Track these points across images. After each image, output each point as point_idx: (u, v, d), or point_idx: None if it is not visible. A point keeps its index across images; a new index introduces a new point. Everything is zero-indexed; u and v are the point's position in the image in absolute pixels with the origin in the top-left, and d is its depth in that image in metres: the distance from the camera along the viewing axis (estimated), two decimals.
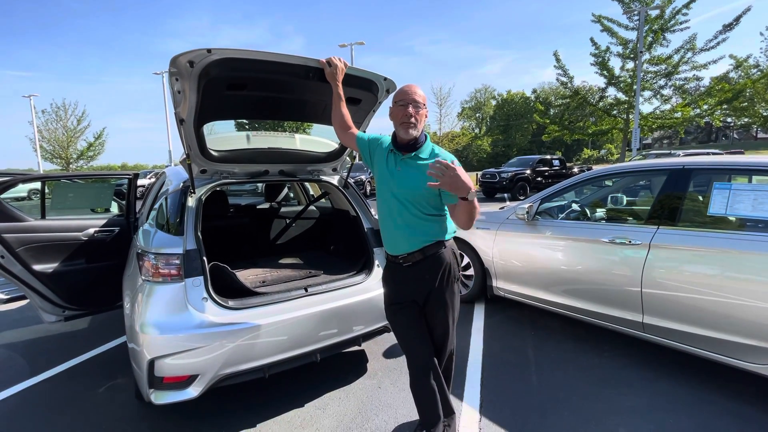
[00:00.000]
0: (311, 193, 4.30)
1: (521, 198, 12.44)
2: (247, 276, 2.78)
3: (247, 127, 3.84)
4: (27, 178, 3.31)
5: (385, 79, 2.25)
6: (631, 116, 19.24)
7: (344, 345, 2.45)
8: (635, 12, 17.56)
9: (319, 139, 3.00)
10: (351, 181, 3.09)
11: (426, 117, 1.83)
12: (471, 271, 3.89)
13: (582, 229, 3.07)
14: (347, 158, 2.98)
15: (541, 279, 3.27)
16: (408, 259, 1.81)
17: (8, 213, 2.91)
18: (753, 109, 22.61)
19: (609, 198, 3.77)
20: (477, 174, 17.22)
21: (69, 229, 3.07)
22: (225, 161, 2.51)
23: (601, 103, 21.20)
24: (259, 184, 5.55)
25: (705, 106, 18.96)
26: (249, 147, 2.66)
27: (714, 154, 12.73)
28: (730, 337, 2.25)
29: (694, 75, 18.79)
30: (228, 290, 2.27)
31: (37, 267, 2.89)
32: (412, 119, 1.75)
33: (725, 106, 19.09)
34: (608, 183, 3.99)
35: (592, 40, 19.58)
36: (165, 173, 3.17)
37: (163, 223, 2.39)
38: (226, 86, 2.03)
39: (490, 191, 15.28)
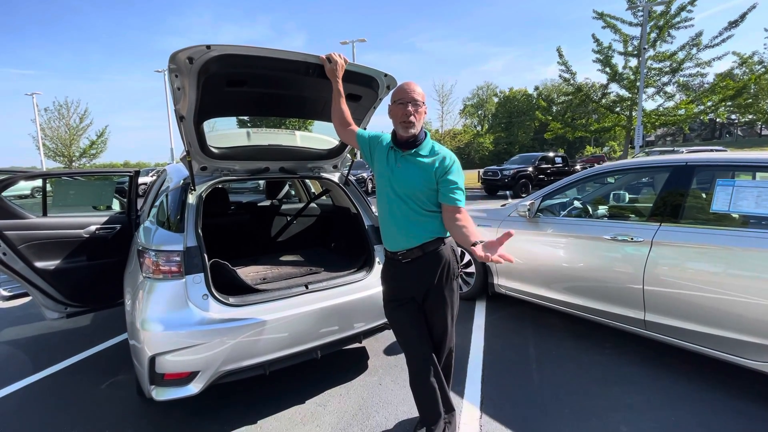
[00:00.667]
0: (312, 190, 4.30)
1: (523, 195, 12.42)
2: (247, 273, 2.78)
3: (248, 124, 3.83)
4: (28, 175, 3.32)
5: (386, 75, 2.23)
6: (634, 113, 19.13)
7: (345, 342, 2.45)
8: (639, 8, 17.42)
9: (319, 136, 2.99)
10: (352, 178, 3.08)
11: (425, 114, 1.82)
12: (472, 269, 3.89)
13: (584, 226, 3.06)
14: (348, 155, 2.97)
15: (542, 276, 3.26)
16: (407, 256, 1.81)
17: (10, 210, 2.91)
18: (757, 106, 22.44)
19: (611, 195, 3.75)
20: (479, 171, 17.20)
21: (71, 227, 3.08)
22: (225, 158, 2.51)
23: (603, 100, 21.08)
24: (261, 182, 5.55)
25: (709, 103, 18.83)
26: (249, 144, 2.66)
27: (718, 151, 12.67)
28: (733, 335, 2.24)
29: (698, 72, 18.66)
30: (229, 287, 2.27)
31: (39, 264, 2.90)
32: (411, 118, 1.74)
33: (729, 103, 18.94)
34: (610, 180, 3.97)
35: (594, 36, 19.46)
36: (166, 170, 3.17)
37: (163, 220, 2.39)
38: (226, 83, 2.02)
39: (492, 189, 15.26)
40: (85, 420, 2.33)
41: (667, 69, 18.85)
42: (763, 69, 19.18)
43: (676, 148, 15.20)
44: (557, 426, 2.12)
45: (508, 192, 15.01)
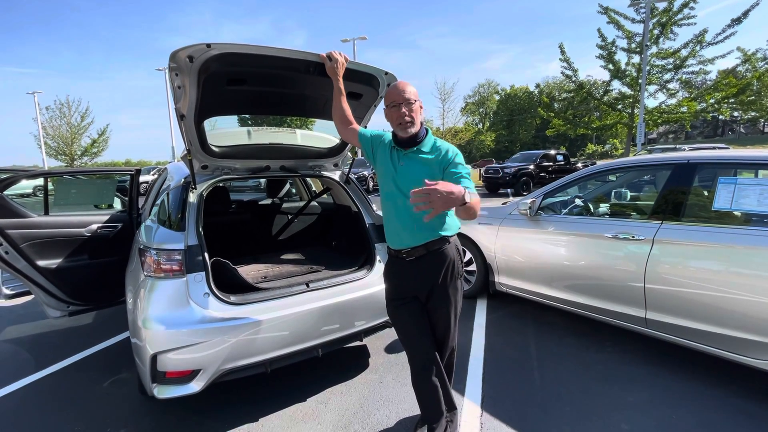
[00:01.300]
0: (313, 188, 4.30)
1: (524, 193, 12.38)
2: (248, 272, 2.78)
3: (249, 122, 3.84)
4: (30, 174, 3.33)
5: (386, 73, 2.23)
6: (636, 111, 19.06)
7: (346, 340, 2.45)
8: (642, 4, 17.33)
9: (320, 134, 2.99)
10: (353, 176, 3.08)
11: (422, 109, 1.81)
12: (473, 267, 3.89)
13: (585, 224, 3.05)
14: (348, 154, 2.97)
15: (543, 275, 3.25)
16: (411, 254, 1.81)
17: (11, 209, 2.92)
18: (760, 103, 22.33)
19: (612, 193, 3.74)
20: (480, 170, 17.14)
21: (72, 225, 3.09)
22: (226, 157, 2.51)
23: (605, 98, 21.01)
24: (262, 181, 5.55)
25: (711, 101, 18.74)
26: (250, 142, 2.66)
27: (721, 148, 12.62)
28: (734, 333, 2.23)
29: (701, 69, 18.57)
30: (230, 286, 2.28)
31: (41, 262, 2.91)
32: (407, 118, 1.74)
33: (732, 100, 18.85)
34: (612, 178, 3.96)
35: (599, 31, 19.34)
36: (167, 169, 3.18)
37: (164, 218, 2.39)
38: (227, 81, 2.02)
39: (493, 186, 15.22)
40: (87, 418, 2.34)
41: (670, 66, 18.77)
42: (766, 66, 19.10)
43: (678, 146, 15.13)
44: (558, 424, 2.12)
45: (509, 190, 14.97)
